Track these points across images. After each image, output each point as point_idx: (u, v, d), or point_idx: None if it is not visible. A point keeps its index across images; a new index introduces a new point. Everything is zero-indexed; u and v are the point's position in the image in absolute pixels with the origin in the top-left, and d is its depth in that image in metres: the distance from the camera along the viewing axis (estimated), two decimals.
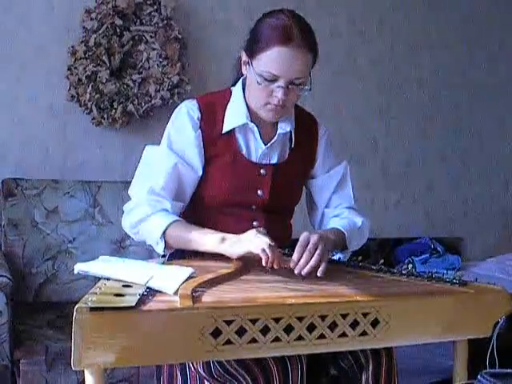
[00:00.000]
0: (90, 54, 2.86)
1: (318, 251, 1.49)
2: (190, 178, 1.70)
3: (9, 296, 2.21)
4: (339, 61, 3.49)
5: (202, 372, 1.49)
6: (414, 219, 3.76)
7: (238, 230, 1.55)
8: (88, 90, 2.86)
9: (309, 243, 1.50)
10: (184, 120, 1.71)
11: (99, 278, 1.35)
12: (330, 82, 3.42)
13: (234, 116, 1.72)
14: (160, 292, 1.28)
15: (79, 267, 1.40)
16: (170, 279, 1.33)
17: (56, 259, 2.71)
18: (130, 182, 1.74)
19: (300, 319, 1.26)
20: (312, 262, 1.47)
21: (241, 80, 1.75)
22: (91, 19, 2.87)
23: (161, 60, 2.97)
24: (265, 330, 1.24)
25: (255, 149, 1.74)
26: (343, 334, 1.30)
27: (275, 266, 1.47)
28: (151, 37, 2.97)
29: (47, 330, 2.36)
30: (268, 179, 1.73)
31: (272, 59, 1.58)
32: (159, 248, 1.64)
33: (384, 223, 3.60)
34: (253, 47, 1.63)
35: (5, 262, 2.47)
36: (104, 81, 2.87)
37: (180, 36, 3.00)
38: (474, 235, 3.87)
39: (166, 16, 2.97)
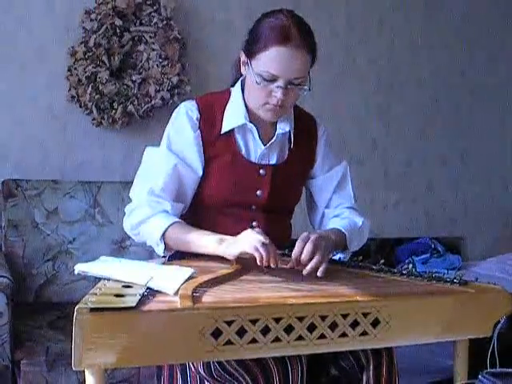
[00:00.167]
0: (90, 54, 2.86)
1: (318, 251, 1.48)
2: (190, 179, 1.70)
3: (9, 297, 2.21)
4: (339, 61, 3.49)
5: (202, 372, 1.49)
6: (414, 219, 3.76)
7: (238, 230, 1.55)
8: (88, 91, 2.86)
9: (309, 240, 1.50)
10: (183, 120, 1.71)
11: (99, 279, 1.35)
12: (329, 82, 3.41)
13: (233, 116, 1.72)
14: (160, 292, 1.28)
15: (79, 268, 1.40)
16: (171, 279, 1.32)
17: (56, 260, 2.71)
18: (130, 183, 1.74)
19: (300, 319, 1.26)
20: (313, 263, 1.47)
21: (240, 80, 1.75)
22: (91, 20, 2.86)
23: (161, 60, 2.97)
24: (265, 331, 1.24)
25: (254, 149, 1.74)
26: (344, 334, 1.29)
27: (272, 265, 1.46)
28: (151, 37, 2.97)
29: (48, 330, 2.37)
30: (267, 179, 1.73)
31: (271, 59, 1.58)
32: (160, 249, 1.64)
33: (384, 223, 3.60)
34: (252, 47, 1.63)
35: (5, 263, 2.47)
36: (104, 81, 2.87)
37: (180, 36, 3.00)
38: (474, 235, 3.86)
39: (166, 16, 2.97)
